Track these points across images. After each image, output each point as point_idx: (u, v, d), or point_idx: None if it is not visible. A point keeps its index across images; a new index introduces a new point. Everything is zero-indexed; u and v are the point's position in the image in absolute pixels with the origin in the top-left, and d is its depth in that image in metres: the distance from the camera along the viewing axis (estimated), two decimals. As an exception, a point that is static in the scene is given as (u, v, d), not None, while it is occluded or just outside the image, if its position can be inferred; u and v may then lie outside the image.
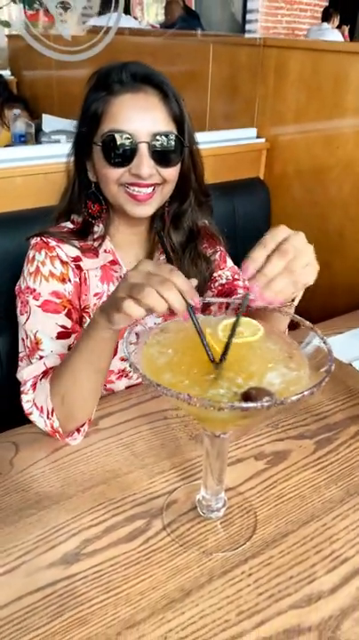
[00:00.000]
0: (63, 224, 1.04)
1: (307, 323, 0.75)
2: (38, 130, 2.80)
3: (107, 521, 0.79)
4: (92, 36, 1.81)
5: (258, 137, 1.97)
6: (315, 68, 1.74)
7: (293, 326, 0.78)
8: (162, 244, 0.94)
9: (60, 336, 0.98)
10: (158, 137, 0.92)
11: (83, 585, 0.70)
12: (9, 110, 2.92)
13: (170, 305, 0.68)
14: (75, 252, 1.01)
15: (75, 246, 1.01)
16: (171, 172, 0.96)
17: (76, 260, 1.02)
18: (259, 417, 0.73)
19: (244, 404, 0.60)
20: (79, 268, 1.02)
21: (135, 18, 6.38)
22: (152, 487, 0.86)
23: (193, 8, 6.35)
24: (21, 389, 0.96)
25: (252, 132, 1.96)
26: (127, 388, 1.12)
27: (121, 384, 1.12)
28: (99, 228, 1.03)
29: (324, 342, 0.71)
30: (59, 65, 3.09)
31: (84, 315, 1.06)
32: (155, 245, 1.09)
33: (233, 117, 2.03)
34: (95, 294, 1.05)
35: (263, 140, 1.95)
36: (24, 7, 2.57)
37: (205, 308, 0.81)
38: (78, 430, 0.94)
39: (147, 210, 0.98)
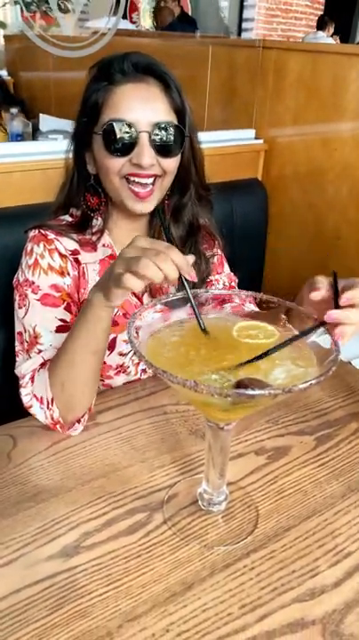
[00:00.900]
0: (62, 217, 1.04)
1: (315, 316, 0.74)
2: (35, 129, 2.79)
3: (107, 514, 0.78)
4: (92, 36, 1.82)
5: (256, 138, 1.97)
6: (314, 69, 1.75)
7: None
8: (166, 236, 0.93)
9: (60, 330, 0.97)
10: (159, 127, 0.92)
11: (84, 577, 0.69)
12: (5, 112, 2.91)
13: (165, 275, 0.70)
14: (73, 246, 1.01)
15: (74, 239, 1.00)
16: (171, 164, 0.96)
17: (75, 253, 1.01)
18: (262, 406, 0.72)
19: (251, 392, 0.59)
20: (77, 261, 1.01)
21: (133, 22, 6.41)
22: (152, 481, 0.85)
23: (189, 14, 6.39)
24: (20, 383, 0.95)
25: (251, 133, 1.97)
26: (125, 384, 1.11)
27: (119, 380, 1.11)
28: (97, 222, 1.02)
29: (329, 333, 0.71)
30: (57, 65, 3.10)
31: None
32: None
33: (231, 118, 2.03)
34: None
35: (261, 141, 1.96)
36: (21, 9, 2.58)
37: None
38: (78, 421, 0.93)
39: (148, 206, 0.98)
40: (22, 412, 0.95)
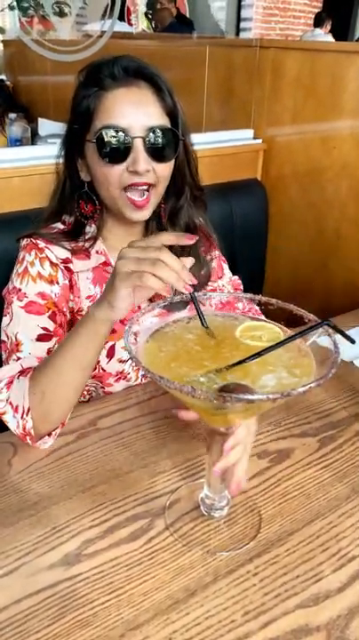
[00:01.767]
0: (54, 225, 1.02)
1: (312, 316, 0.73)
2: (34, 134, 2.79)
3: (108, 521, 0.78)
4: (88, 39, 1.81)
5: (254, 138, 1.96)
6: (312, 68, 1.74)
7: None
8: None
9: (41, 339, 0.95)
10: (154, 131, 0.90)
11: (85, 586, 0.68)
12: (6, 117, 2.92)
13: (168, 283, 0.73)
14: (65, 254, 0.99)
15: (66, 248, 0.99)
16: (165, 170, 0.95)
17: (66, 262, 0.99)
18: (250, 412, 0.71)
19: (250, 397, 0.59)
20: (69, 270, 1.00)
21: (131, 24, 6.41)
22: (154, 487, 0.84)
23: (187, 15, 6.39)
24: None
25: (249, 133, 1.96)
26: (126, 389, 1.10)
27: (119, 387, 1.10)
28: (90, 229, 1.01)
29: (329, 335, 0.69)
30: (55, 70, 3.10)
31: (78, 317, 1.03)
32: None
33: (229, 119, 2.03)
34: (87, 297, 1.03)
35: (260, 141, 1.95)
36: (19, 14, 2.57)
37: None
38: (49, 434, 0.89)
39: (145, 214, 0.97)
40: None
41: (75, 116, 0.93)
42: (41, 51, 1.56)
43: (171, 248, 0.76)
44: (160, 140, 0.91)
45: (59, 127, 2.77)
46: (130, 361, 1.06)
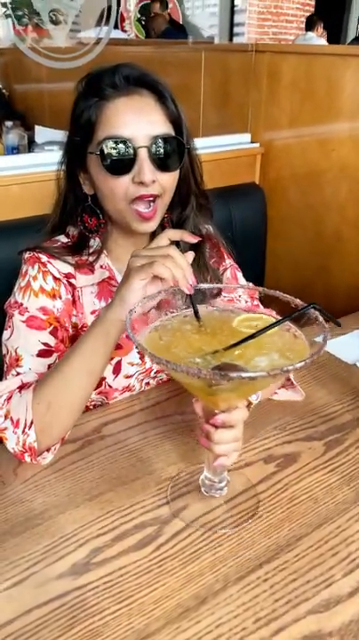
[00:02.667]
0: (57, 237, 1.00)
1: (298, 301, 0.75)
2: (31, 142, 2.80)
3: (116, 529, 0.77)
4: (83, 46, 1.81)
5: (252, 142, 1.97)
6: (308, 71, 1.74)
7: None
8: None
9: (41, 354, 0.93)
10: (158, 140, 0.89)
11: (94, 596, 0.68)
12: (3, 125, 2.93)
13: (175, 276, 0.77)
14: (67, 269, 0.97)
15: (69, 262, 0.97)
16: (171, 179, 0.93)
17: (69, 276, 0.98)
18: (243, 394, 0.75)
19: (238, 373, 0.61)
20: (72, 285, 0.98)
21: (124, 31, 6.45)
22: (160, 493, 0.84)
23: (180, 22, 6.43)
24: None
25: (246, 137, 1.97)
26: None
27: (123, 397, 1.09)
28: (95, 242, 0.99)
29: (317, 317, 0.72)
30: (50, 77, 3.11)
31: (82, 332, 1.00)
32: None
33: (226, 123, 2.03)
34: (92, 312, 1.01)
35: (257, 144, 1.96)
36: (13, 22, 2.58)
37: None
38: (48, 450, 0.88)
39: (152, 225, 0.95)
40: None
41: (76, 128, 0.91)
42: (38, 58, 1.56)
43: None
44: (165, 150, 0.89)
45: (56, 134, 2.78)
46: (136, 374, 1.05)
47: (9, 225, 1.36)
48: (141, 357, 1.03)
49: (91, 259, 0.98)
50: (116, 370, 1.02)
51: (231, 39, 7.52)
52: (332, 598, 0.68)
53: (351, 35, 8.50)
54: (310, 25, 6.99)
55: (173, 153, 0.91)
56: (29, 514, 0.79)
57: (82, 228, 0.98)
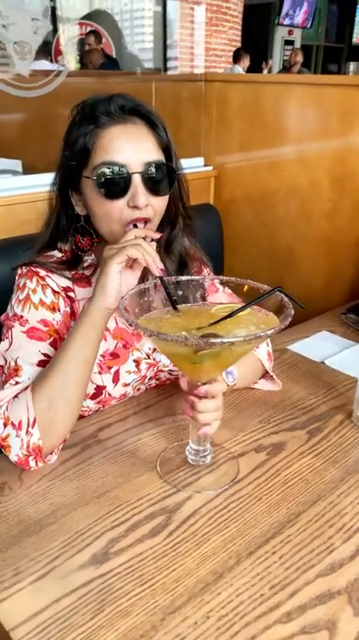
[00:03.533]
0: (51, 252, 1.04)
1: (266, 287, 0.87)
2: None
3: (128, 521, 0.81)
4: (42, 78, 1.88)
5: (205, 165, 2.08)
6: (256, 99, 1.88)
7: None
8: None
9: (41, 364, 0.95)
10: (151, 166, 0.93)
11: (118, 581, 0.71)
12: None
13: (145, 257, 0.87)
14: (65, 283, 1.01)
15: (66, 277, 1.01)
16: (161, 203, 0.98)
17: (67, 290, 1.01)
18: (224, 361, 0.85)
19: (220, 339, 0.74)
20: (70, 298, 1.02)
21: (60, 65, 6.53)
22: (165, 486, 0.88)
23: (113, 56, 6.61)
24: None
25: (200, 161, 2.08)
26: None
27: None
28: (89, 257, 1.03)
29: (282, 298, 0.84)
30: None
31: None
32: (147, 272, 1.12)
33: (180, 149, 2.12)
34: None
35: (211, 167, 2.07)
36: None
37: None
38: (50, 452, 0.91)
39: None
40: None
41: (71, 153, 0.95)
42: (6, 88, 1.61)
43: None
44: (157, 175, 0.94)
45: (6, 163, 2.79)
46: (132, 382, 1.09)
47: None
48: (137, 365, 1.08)
49: (87, 272, 1.03)
50: (115, 379, 1.05)
51: (165, 71, 7.79)
52: (336, 562, 0.75)
53: (276, 67, 9.05)
54: (237, 58, 7.39)
55: (164, 178, 0.96)
56: (41, 514, 0.82)
57: (74, 248, 1.02)
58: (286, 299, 0.84)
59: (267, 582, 0.72)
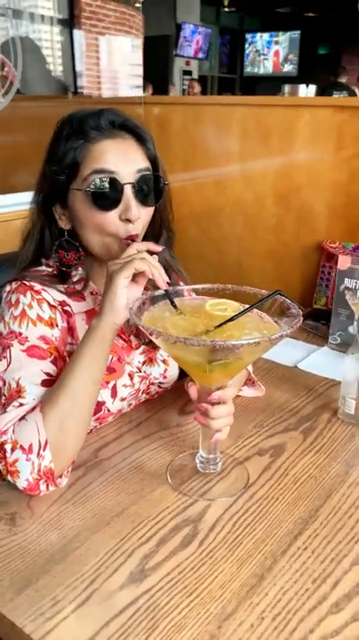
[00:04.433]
0: (38, 268, 1.01)
1: (264, 291, 0.89)
2: None
3: (155, 535, 0.79)
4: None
5: (149, 185, 2.10)
6: (196, 120, 1.94)
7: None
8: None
9: (45, 384, 0.91)
10: (141, 178, 0.94)
11: (163, 595, 0.69)
12: None
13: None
14: (61, 297, 0.99)
15: (60, 290, 0.99)
16: (149, 214, 0.99)
17: (63, 304, 0.99)
18: (236, 367, 0.86)
19: (236, 341, 0.75)
20: (67, 312, 0.99)
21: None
22: (182, 497, 0.87)
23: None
24: None
25: (143, 181, 2.10)
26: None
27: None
28: (78, 272, 1.02)
29: (283, 301, 0.87)
30: None
31: None
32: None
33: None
34: None
35: (155, 187, 2.09)
36: None
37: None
38: (60, 476, 0.88)
39: None
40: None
41: (59, 167, 0.94)
42: None
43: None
44: (147, 186, 0.95)
45: None
46: (129, 398, 1.08)
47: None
48: (131, 379, 1.06)
49: (78, 287, 1.01)
50: (113, 393, 1.03)
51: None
52: (365, 549, 0.77)
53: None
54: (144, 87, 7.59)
55: (154, 189, 0.98)
56: (63, 540, 0.78)
57: (59, 264, 1.00)
58: (288, 300, 0.87)
59: (308, 577, 0.73)
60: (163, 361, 1.13)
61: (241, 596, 0.69)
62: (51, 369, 0.93)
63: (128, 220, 0.94)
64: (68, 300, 0.99)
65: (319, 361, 1.39)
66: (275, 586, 0.71)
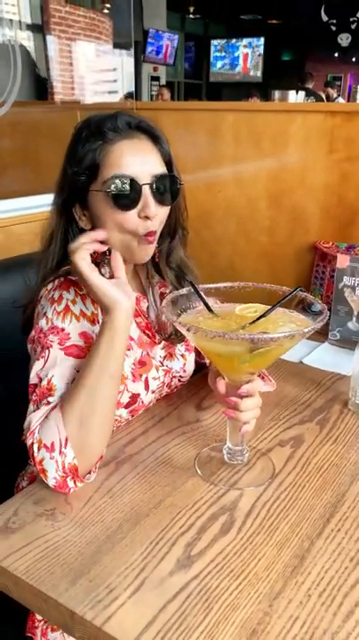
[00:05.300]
0: (65, 268, 1.02)
1: (285, 288, 0.94)
2: None
3: (194, 524, 0.82)
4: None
5: (142, 190, 2.13)
6: (188, 125, 1.98)
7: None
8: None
9: None
10: (158, 178, 0.97)
11: (212, 579, 0.72)
12: None
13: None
14: None
15: None
16: (165, 213, 1.02)
17: None
18: (273, 356, 0.88)
19: (275, 334, 0.80)
20: None
21: None
22: (213, 488, 0.90)
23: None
24: (25, 436, 0.88)
25: (136, 185, 2.12)
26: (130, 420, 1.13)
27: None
28: (106, 270, 1.03)
29: (305, 297, 0.92)
30: None
31: None
32: (148, 281, 1.15)
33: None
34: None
35: (148, 192, 2.12)
36: None
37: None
38: (88, 472, 0.90)
39: (150, 253, 1.03)
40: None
41: (80, 169, 0.97)
42: None
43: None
44: (163, 186, 0.99)
45: None
46: (156, 389, 1.12)
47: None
48: (157, 372, 1.10)
49: None
50: (146, 386, 1.07)
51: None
52: None
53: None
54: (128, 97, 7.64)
55: (170, 189, 1.01)
56: (108, 532, 0.80)
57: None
58: (310, 296, 0.92)
59: (346, 555, 0.77)
60: (182, 355, 1.17)
61: (286, 576, 0.73)
62: None
63: (147, 218, 0.98)
64: None
65: (322, 356, 1.44)
66: (316, 565, 0.75)
